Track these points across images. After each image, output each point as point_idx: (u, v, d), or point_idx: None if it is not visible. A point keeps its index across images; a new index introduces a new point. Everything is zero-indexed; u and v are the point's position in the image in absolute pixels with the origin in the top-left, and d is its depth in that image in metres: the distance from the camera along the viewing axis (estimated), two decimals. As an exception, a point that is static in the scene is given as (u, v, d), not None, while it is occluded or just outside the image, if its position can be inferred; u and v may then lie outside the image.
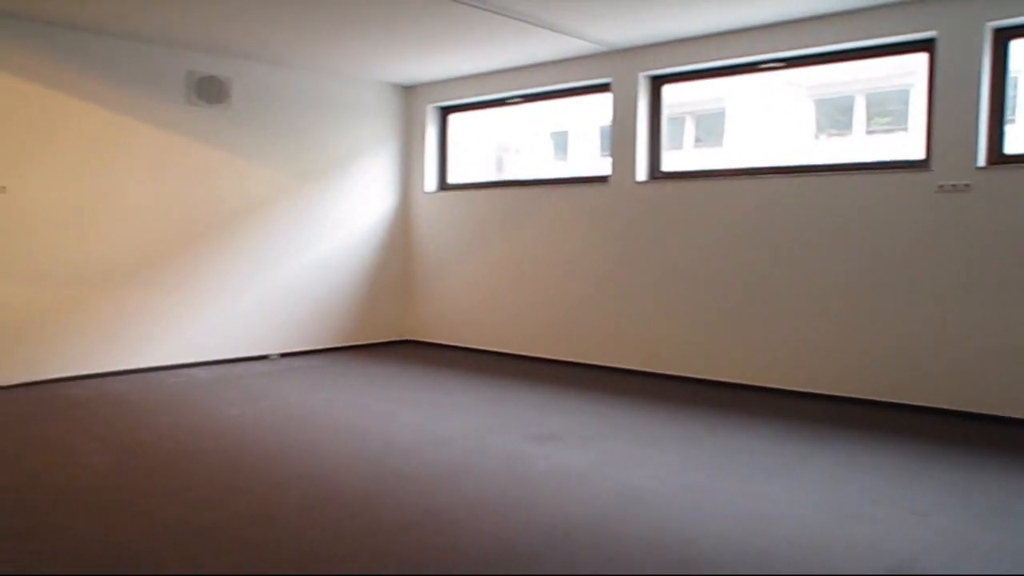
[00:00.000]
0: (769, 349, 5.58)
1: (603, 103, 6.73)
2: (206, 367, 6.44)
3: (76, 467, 3.92)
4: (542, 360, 6.86)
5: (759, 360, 5.63)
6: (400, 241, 7.92)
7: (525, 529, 3.11)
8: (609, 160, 6.46)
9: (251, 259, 6.77)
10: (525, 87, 6.98)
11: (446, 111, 7.87)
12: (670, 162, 6.33)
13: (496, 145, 13.79)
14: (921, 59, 5.12)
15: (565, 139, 15.11)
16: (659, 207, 6.11)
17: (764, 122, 12.56)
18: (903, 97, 11.59)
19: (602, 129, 13.86)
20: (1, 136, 5.49)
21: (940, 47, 4.90)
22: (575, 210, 6.64)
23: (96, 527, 3.14)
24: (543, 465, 3.94)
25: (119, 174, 6.02)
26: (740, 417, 4.93)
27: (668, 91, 6.28)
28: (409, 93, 7.90)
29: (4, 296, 5.54)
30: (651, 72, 6.18)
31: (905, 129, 11.45)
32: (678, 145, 13.28)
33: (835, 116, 12.69)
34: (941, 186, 4.90)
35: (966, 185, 4.80)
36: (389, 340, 7.90)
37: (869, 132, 12.13)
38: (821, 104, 12.65)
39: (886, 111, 11.94)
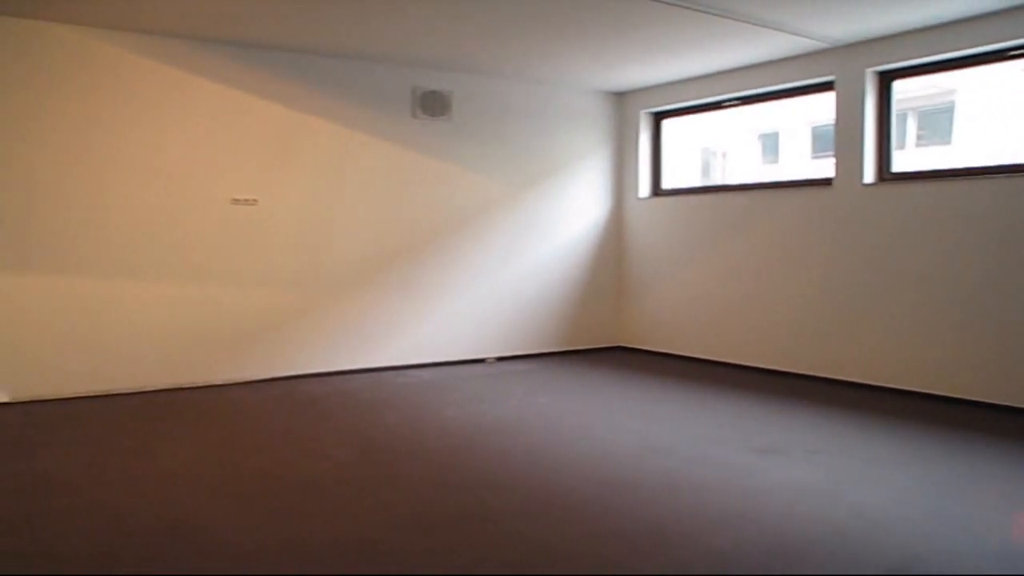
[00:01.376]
0: (1017, 364, 5.11)
1: (817, 102, 6.44)
2: (428, 368, 6.75)
3: (319, 458, 4.22)
4: (760, 370, 6.65)
5: (1002, 376, 5.17)
6: (613, 247, 7.95)
7: (752, 546, 3.01)
8: (825, 161, 6.17)
9: (470, 265, 7.03)
10: (741, 89, 6.81)
11: (659, 116, 7.83)
12: (896, 163, 5.95)
13: (702, 149, 13.52)
14: None
15: (775, 140, 14.58)
16: (890, 210, 5.75)
17: (1002, 115, 11.53)
18: None
19: (813, 129, 13.26)
20: (254, 154, 6.05)
21: None
22: (794, 214, 6.39)
23: (341, 515, 3.37)
24: (767, 479, 3.81)
25: (351, 185, 6.45)
26: (985, 438, 4.54)
27: (898, 87, 5.92)
28: (622, 99, 7.92)
29: (254, 299, 6.09)
30: (879, 67, 5.84)
31: None
32: (900, 144, 12.44)
33: (1090, 105, 11.42)
34: None
35: None
36: (601, 346, 7.93)
37: None
38: (1073, 92, 11.42)
39: None
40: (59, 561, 2.90)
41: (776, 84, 6.53)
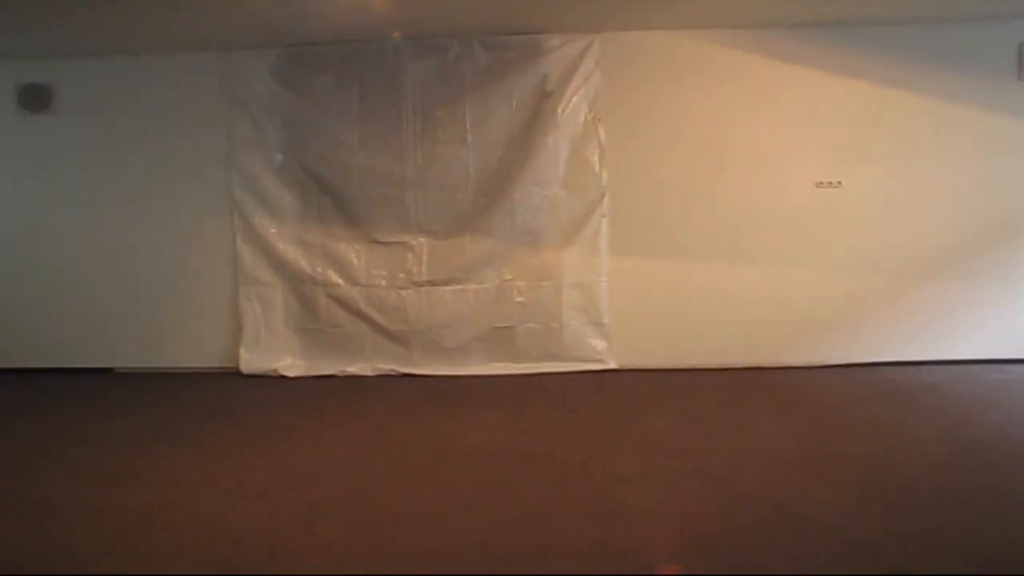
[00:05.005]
0: None
1: None
2: (1025, 364, 6.02)
3: (914, 452, 4.08)
4: None
5: None
6: None
7: None
8: None
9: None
10: None
11: None
12: None
13: None
14: None
15: None
16: None
17: None
18: None
19: None
20: (838, 135, 5.96)
21: None
22: None
23: (961, 523, 3.18)
24: None
25: (942, 161, 5.96)
26: None
27: None
28: None
29: (833, 283, 6.04)
30: None
31: None
32: None
33: None
34: None
35: None
36: None
37: None
38: None
39: None
40: (670, 516, 3.29)
41: None
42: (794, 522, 3.20)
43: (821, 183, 5.95)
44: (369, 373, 6.16)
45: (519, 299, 6.11)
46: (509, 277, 6.11)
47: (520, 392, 5.59)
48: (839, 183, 5.94)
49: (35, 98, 6.41)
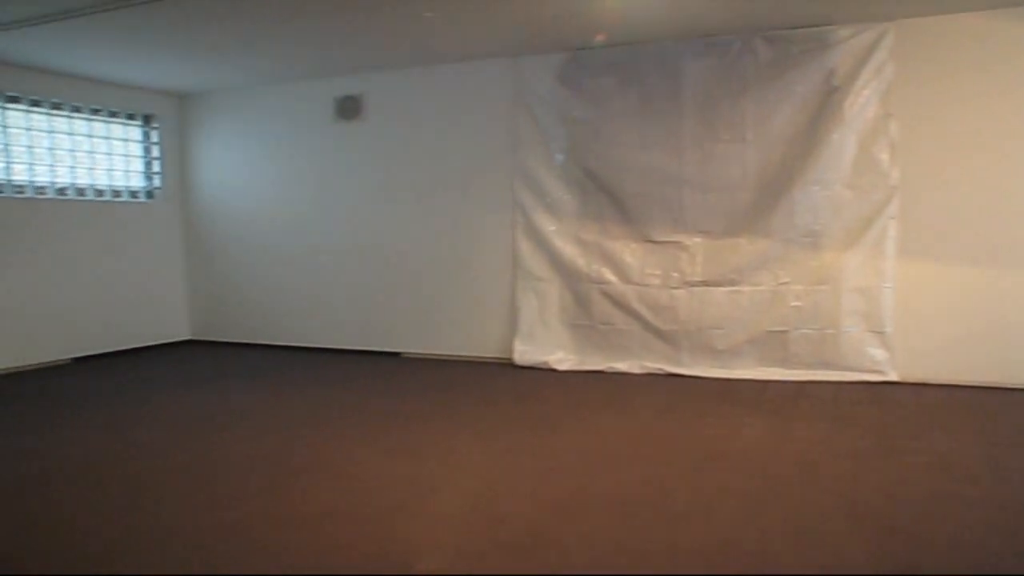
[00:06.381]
0: None
1: None
2: None
3: None
4: None
5: None
6: None
7: None
8: None
9: None
10: None
11: None
12: None
13: None
14: None
15: None
16: None
17: None
18: None
19: None
20: None
21: None
22: None
23: None
24: None
25: None
26: None
27: None
28: None
29: None
30: None
31: None
32: None
33: None
34: None
35: None
36: None
37: None
38: None
39: None
40: (950, 544, 2.95)
41: None
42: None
43: None
44: (636, 371, 6.21)
45: (795, 303, 5.88)
46: (786, 280, 5.89)
47: (790, 399, 5.37)
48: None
49: (349, 107, 7.21)
